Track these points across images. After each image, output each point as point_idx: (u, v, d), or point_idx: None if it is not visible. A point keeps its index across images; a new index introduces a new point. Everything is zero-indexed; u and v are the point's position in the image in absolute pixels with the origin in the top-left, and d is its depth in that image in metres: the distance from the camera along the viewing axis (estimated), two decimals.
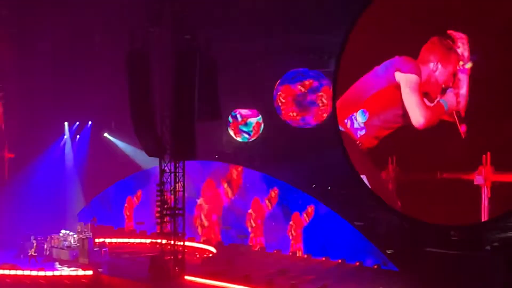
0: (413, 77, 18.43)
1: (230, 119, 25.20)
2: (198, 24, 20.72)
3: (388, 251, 21.06)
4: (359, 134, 20.24)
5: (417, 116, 18.54)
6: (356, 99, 20.13)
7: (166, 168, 21.10)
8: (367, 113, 19.85)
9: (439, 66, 18.30)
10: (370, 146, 19.96)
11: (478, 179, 18.00)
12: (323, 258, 22.74)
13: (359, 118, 19.94)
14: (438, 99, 18.58)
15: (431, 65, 18.47)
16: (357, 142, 19.65)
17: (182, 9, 20.52)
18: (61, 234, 25.48)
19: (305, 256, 23.39)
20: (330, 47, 21.93)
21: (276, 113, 23.84)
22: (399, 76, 18.83)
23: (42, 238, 24.99)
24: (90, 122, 30.29)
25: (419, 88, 18.48)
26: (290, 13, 21.49)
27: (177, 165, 21.07)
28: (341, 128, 20.29)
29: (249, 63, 23.28)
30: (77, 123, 30.54)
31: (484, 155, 17.76)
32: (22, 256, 24.08)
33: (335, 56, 21.20)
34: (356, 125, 20.03)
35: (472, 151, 18.04)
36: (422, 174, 18.92)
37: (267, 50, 23.01)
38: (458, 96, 18.09)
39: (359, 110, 19.96)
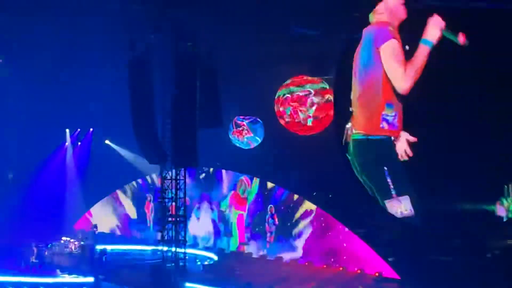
0: (390, 42, 17.20)
1: (232, 126, 25.17)
2: (199, 31, 20.76)
3: (390, 259, 21.04)
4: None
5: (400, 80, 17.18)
6: (371, 100, 18.97)
7: (167, 175, 21.13)
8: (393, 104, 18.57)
9: None
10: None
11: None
12: (324, 266, 22.73)
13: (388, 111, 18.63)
14: None
15: None
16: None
17: (183, 17, 20.57)
18: (62, 241, 25.47)
19: (306, 263, 23.38)
20: (331, 54, 21.89)
21: (277, 120, 23.82)
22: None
23: (43, 245, 24.98)
24: (91, 129, 30.31)
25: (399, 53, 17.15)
26: (292, 20, 21.46)
27: (178, 172, 21.11)
28: (378, 136, 19.00)
29: (250, 70, 23.25)
30: (78, 130, 30.56)
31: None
32: (22, 263, 24.05)
33: (336, 63, 21.17)
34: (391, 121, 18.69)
35: None
36: None
37: (269, 57, 22.99)
38: None
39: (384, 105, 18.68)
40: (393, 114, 17.05)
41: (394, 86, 16.19)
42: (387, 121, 17.61)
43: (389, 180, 16.45)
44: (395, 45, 15.64)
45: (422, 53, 15.38)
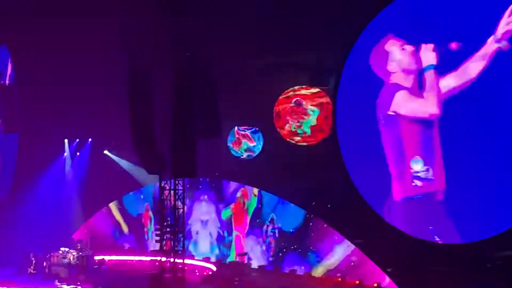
0: (402, 93, 17.56)
1: (232, 136, 25.20)
2: (198, 42, 20.79)
3: (388, 269, 21.00)
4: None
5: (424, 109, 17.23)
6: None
7: (166, 185, 21.11)
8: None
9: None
10: None
11: None
12: (323, 276, 22.70)
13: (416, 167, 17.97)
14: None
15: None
16: None
17: (182, 27, 20.60)
18: (60, 252, 25.42)
19: (304, 274, 23.35)
20: (330, 63, 21.95)
21: (276, 130, 23.83)
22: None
23: (41, 255, 24.94)
24: (90, 139, 30.28)
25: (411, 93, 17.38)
26: (290, 29, 21.51)
27: (177, 182, 21.08)
28: (408, 196, 18.49)
29: (249, 80, 23.28)
30: (77, 140, 30.54)
31: None
32: (21, 273, 24.01)
33: (335, 73, 21.23)
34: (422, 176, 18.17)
35: None
36: None
37: (268, 67, 23.03)
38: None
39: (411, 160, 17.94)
40: (424, 169, 17.23)
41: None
42: (419, 178, 17.64)
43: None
44: (402, 93, 16.68)
45: (430, 78, 16.25)
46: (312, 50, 21.73)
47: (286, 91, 23.29)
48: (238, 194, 26.20)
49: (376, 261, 21.14)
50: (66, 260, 24.91)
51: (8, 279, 22.85)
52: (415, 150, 17.51)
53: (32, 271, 23.69)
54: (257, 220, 25.18)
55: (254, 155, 25.05)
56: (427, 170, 17.43)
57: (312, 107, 22.80)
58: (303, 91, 22.99)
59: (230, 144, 25.41)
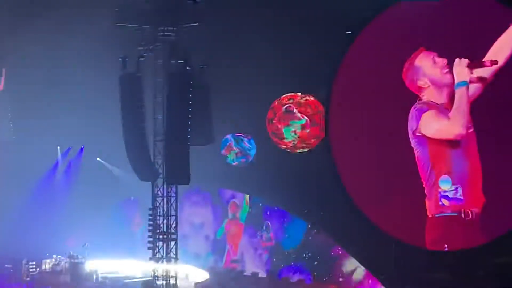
0: (424, 117, 16.72)
1: (226, 142, 25.19)
2: (190, 49, 20.83)
3: (382, 276, 21.00)
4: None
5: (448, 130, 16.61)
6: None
7: (159, 192, 21.12)
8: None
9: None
10: None
11: None
12: (314, 282, 22.68)
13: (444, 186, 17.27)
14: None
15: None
16: None
17: (175, 34, 20.66)
18: (53, 259, 25.35)
19: (296, 280, 23.34)
20: (324, 70, 21.95)
21: (269, 137, 23.84)
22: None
23: (34, 263, 24.86)
24: (82, 146, 30.22)
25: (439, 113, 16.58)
26: (283, 36, 21.54)
27: (170, 189, 21.09)
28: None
29: (242, 87, 23.28)
30: (70, 147, 30.47)
31: None
32: (13, 280, 23.94)
33: (328, 79, 21.24)
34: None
35: None
36: None
37: (260, 74, 23.04)
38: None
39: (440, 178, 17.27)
40: (453, 188, 16.99)
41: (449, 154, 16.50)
42: (446, 197, 17.40)
43: None
44: (428, 113, 16.10)
45: (460, 95, 15.72)
46: (305, 57, 21.72)
47: (279, 98, 23.32)
48: (229, 210, 26.17)
49: (369, 268, 21.15)
50: (59, 267, 24.85)
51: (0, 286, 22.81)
52: (444, 169, 17.22)
53: (24, 278, 23.62)
54: (252, 226, 25.17)
55: (245, 162, 24.98)
56: (456, 189, 17.17)
57: (304, 114, 22.82)
58: (296, 98, 23.00)
59: (223, 151, 25.41)
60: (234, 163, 25.26)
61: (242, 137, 24.82)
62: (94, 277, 24.33)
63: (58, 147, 30.56)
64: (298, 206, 23.70)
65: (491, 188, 16.71)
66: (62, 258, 25.32)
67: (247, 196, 25.48)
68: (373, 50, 19.39)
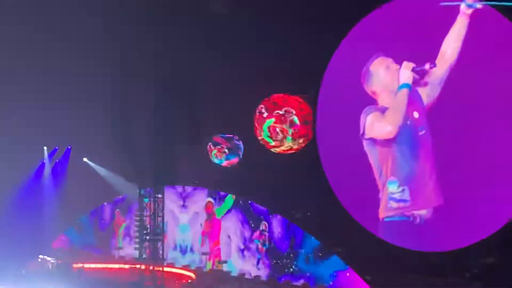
0: (372, 116, 16.90)
1: (213, 143, 25.17)
2: (178, 50, 20.83)
3: (367, 277, 21.06)
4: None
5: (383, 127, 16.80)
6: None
7: (145, 193, 21.10)
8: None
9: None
10: None
11: None
12: (302, 284, 22.72)
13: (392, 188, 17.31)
14: None
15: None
16: None
17: (163, 35, 20.65)
18: (39, 260, 25.30)
19: (284, 281, 23.36)
20: (312, 71, 21.99)
21: (255, 138, 23.86)
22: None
23: (20, 263, 24.79)
24: (69, 146, 30.16)
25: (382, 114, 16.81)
26: (272, 36, 21.59)
27: (157, 190, 21.09)
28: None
29: (229, 88, 23.30)
30: (56, 147, 30.40)
31: None
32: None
33: (316, 81, 21.26)
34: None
35: None
36: None
37: (248, 75, 23.07)
38: None
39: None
40: (399, 190, 17.03)
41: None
42: (394, 199, 17.39)
43: None
44: (372, 115, 16.36)
45: (400, 96, 15.99)
46: (293, 58, 21.76)
47: (266, 98, 23.33)
48: (205, 210, 26.14)
49: (355, 269, 21.20)
50: (44, 268, 24.79)
51: None
52: (391, 171, 17.32)
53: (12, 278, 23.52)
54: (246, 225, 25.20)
55: (232, 163, 24.97)
56: (403, 191, 17.21)
57: (292, 115, 22.83)
58: (284, 98, 23.00)
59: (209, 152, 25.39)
60: (222, 164, 25.32)
61: (231, 137, 24.84)
62: (81, 277, 24.24)
63: (45, 148, 30.49)
64: (285, 207, 23.75)
65: (448, 190, 16.76)
66: (48, 258, 25.26)
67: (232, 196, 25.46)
68: (360, 52, 19.46)
